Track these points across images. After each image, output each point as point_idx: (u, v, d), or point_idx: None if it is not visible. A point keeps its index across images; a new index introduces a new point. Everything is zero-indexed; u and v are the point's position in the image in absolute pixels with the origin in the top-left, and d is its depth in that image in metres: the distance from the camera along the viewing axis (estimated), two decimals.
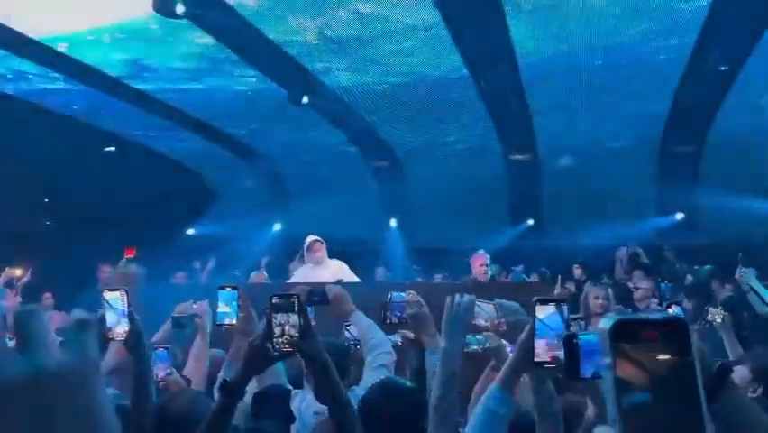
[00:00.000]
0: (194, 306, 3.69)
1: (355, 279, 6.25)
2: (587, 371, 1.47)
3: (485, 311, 2.66)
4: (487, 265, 7.65)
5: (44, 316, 0.66)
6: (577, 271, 9.16)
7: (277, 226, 12.59)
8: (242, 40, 7.63)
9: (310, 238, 6.41)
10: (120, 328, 2.52)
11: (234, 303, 2.86)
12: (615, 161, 10.97)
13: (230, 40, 7.60)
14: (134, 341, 2.48)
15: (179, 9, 5.83)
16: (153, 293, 4.68)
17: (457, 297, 2.22)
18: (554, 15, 7.21)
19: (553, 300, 1.88)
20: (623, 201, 11.29)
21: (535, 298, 1.88)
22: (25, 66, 8.23)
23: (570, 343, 1.47)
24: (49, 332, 0.65)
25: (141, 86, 8.88)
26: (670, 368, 0.71)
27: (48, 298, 6.94)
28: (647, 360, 0.70)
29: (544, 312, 1.83)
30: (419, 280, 9.00)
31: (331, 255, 6.40)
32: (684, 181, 11.07)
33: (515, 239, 11.97)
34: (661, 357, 0.71)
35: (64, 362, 0.64)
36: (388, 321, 3.14)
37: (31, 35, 7.31)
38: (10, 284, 5.23)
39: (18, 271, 4.97)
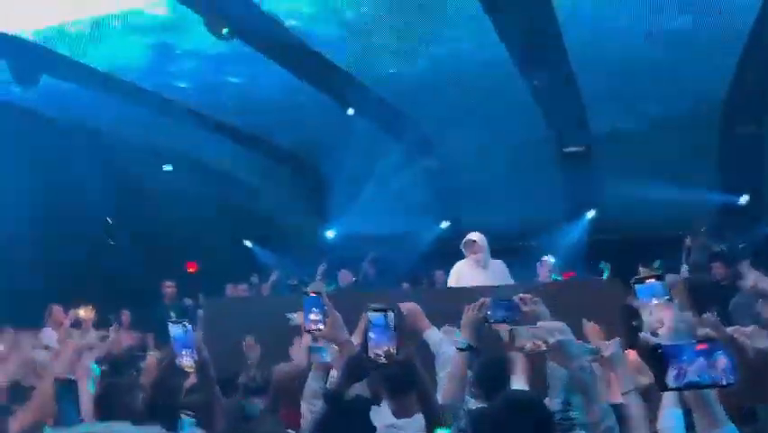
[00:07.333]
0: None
1: (510, 282, 5.73)
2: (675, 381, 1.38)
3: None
4: (551, 271, 7.81)
5: None
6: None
7: None
8: None
9: (469, 236, 5.90)
10: (188, 360, 2.56)
11: (319, 309, 2.64)
12: None
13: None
14: (202, 372, 2.64)
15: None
16: None
17: None
18: None
19: None
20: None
21: None
22: None
23: (654, 354, 1.35)
24: None
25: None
26: None
27: (126, 315, 7.36)
28: None
29: None
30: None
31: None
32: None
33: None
34: None
35: None
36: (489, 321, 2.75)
37: None
38: (77, 324, 5.12)
39: (83, 312, 4.86)
